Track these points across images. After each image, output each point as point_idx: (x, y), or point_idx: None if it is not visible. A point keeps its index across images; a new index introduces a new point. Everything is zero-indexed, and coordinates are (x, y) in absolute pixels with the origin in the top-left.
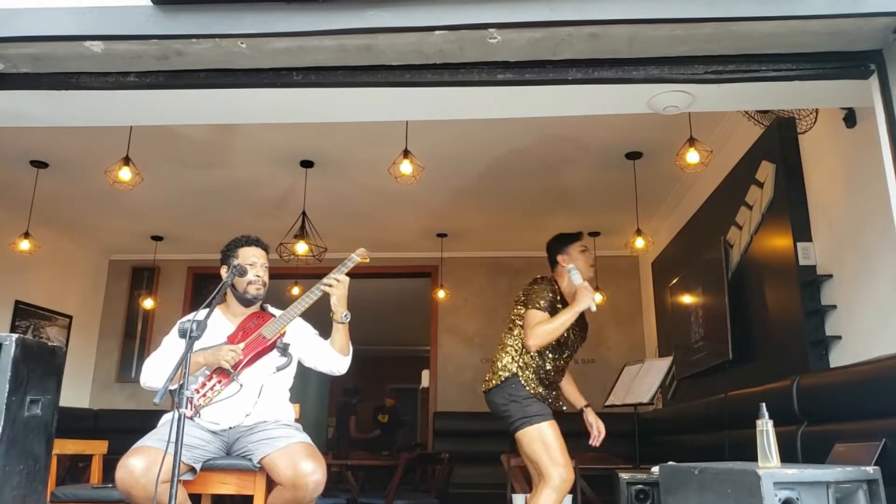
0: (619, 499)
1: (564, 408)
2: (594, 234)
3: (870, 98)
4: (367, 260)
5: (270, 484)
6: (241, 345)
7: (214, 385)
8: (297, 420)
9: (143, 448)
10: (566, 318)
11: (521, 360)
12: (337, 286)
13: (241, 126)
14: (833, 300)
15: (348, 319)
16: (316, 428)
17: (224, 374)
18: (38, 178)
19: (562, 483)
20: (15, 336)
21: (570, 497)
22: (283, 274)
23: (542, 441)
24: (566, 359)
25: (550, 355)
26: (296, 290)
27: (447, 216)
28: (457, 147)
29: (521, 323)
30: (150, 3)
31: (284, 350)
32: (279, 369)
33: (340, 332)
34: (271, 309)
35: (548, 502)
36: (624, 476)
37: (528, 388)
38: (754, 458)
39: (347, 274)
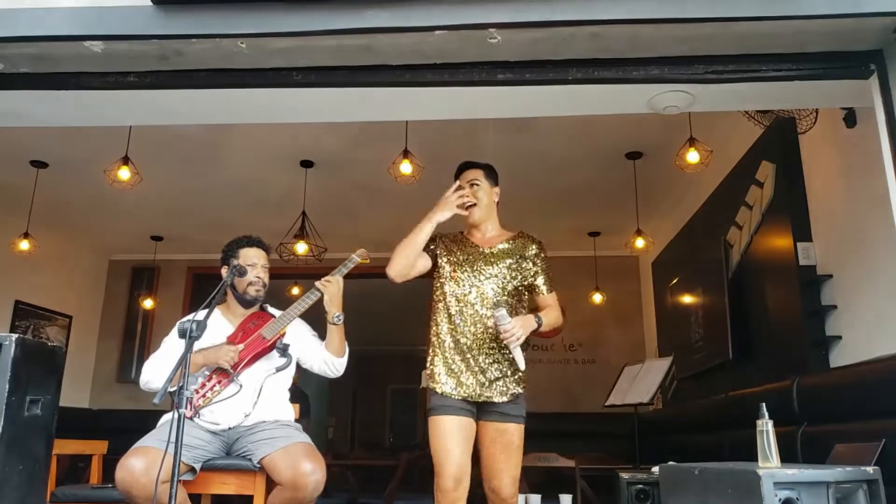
0: (620, 499)
1: (504, 399)
2: (594, 234)
3: (870, 98)
4: (368, 261)
5: (270, 484)
6: (241, 345)
7: (214, 385)
8: (296, 420)
9: (143, 448)
10: (419, 226)
11: (433, 342)
12: (329, 287)
13: (241, 126)
14: (833, 300)
15: (341, 321)
16: (316, 428)
17: (223, 374)
18: (38, 178)
19: (437, 490)
20: (15, 336)
21: (570, 497)
22: (283, 274)
23: (431, 437)
24: (488, 324)
25: (459, 324)
26: (295, 291)
27: None
28: (457, 147)
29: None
30: (150, 3)
31: (284, 350)
32: (279, 370)
33: (335, 333)
34: (271, 309)
35: None
36: (624, 476)
37: (433, 378)
38: (754, 459)
39: (348, 274)
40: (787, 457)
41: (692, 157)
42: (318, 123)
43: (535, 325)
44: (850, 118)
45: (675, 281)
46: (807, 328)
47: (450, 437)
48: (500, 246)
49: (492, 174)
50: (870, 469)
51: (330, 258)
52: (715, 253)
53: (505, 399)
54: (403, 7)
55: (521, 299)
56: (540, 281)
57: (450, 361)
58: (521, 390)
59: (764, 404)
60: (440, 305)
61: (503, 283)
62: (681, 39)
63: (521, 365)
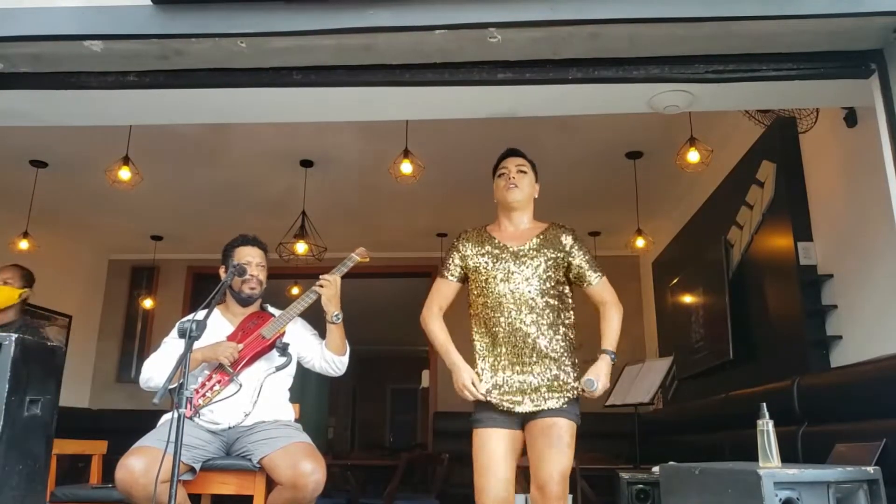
0: (620, 499)
1: (543, 406)
2: (594, 234)
3: (870, 97)
4: (367, 259)
5: (270, 484)
6: (241, 345)
7: (214, 385)
8: (296, 420)
9: (143, 448)
10: (446, 356)
11: (476, 354)
12: (327, 286)
13: (241, 126)
14: (833, 300)
15: (340, 320)
16: (316, 428)
17: (223, 374)
18: (38, 178)
19: None
20: (14, 336)
21: (570, 497)
22: (283, 274)
23: (475, 450)
24: (531, 324)
25: (498, 335)
26: (295, 290)
27: (447, 216)
28: (457, 147)
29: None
30: (150, 3)
31: (284, 350)
32: (279, 369)
33: (334, 332)
34: (271, 309)
35: None
36: (624, 476)
37: (478, 387)
38: (755, 459)
39: (347, 273)
40: (788, 457)
41: (692, 156)
42: (318, 123)
43: (611, 363)
44: (851, 118)
45: (675, 281)
46: (807, 328)
47: (494, 454)
48: (531, 243)
49: (535, 169)
50: (870, 469)
51: (330, 258)
52: (715, 253)
53: (555, 406)
54: (403, 6)
55: (564, 299)
56: (584, 270)
57: (492, 373)
58: (572, 395)
59: (764, 404)
60: (478, 318)
61: (539, 284)
62: (681, 39)
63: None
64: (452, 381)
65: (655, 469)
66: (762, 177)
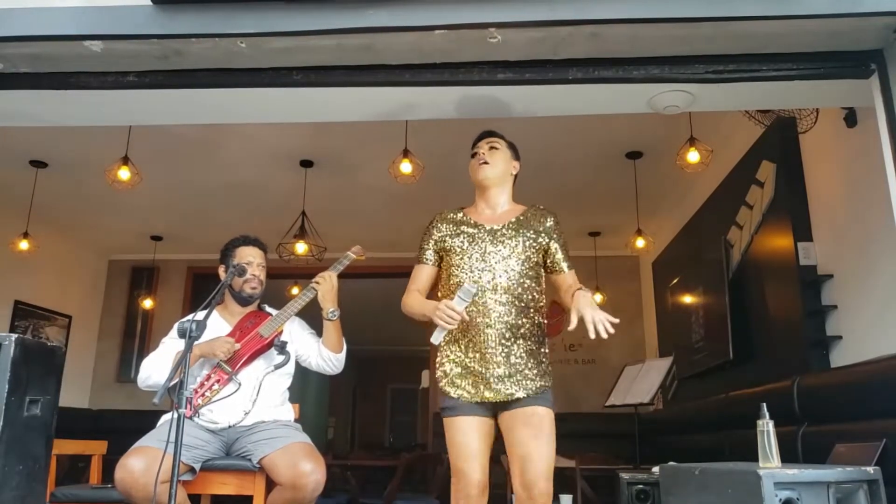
0: (620, 499)
1: (518, 395)
2: (594, 234)
3: (870, 98)
4: (363, 258)
5: (270, 484)
6: (238, 344)
7: (213, 384)
8: (296, 420)
9: (143, 448)
10: (421, 310)
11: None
12: (323, 283)
13: (242, 126)
14: (833, 300)
15: (336, 317)
16: (316, 428)
17: (222, 372)
18: (38, 178)
19: (457, 499)
20: (14, 336)
21: (570, 497)
22: (283, 274)
23: (449, 439)
24: (506, 306)
25: (470, 317)
26: (295, 290)
27: None
28: (457, 147)
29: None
30: (150, 3)
31: (282, 348)
32: (277, 367)
33: (331, 329)
34: (268, 308)
35: None
36: (624, 476)
37: (440, 371)
38: (755, 459)
39: (346, 273)
40: (788, 457)
41: (692, 156)
42: (319, 123)
43: (590, 295)
44: (851, 118)
45: (675, 281)
46: (807, 328)
47: (471, 439)
48: (509, 223)
49: (513, 148)
50: (870, 469)
51: (330, 258)
52: (715, 253)
53: (529, 394)
54: (403, 6)
55: (539, 282)
56: (560, 257)
57: (463, 360)
58: (546, 383)
59: (764, 404)
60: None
61: (518, 264)
62: (681, 39)
63: (436, 339)
64: (431, 319)
65: (655, 469)
66: (762, 177)
